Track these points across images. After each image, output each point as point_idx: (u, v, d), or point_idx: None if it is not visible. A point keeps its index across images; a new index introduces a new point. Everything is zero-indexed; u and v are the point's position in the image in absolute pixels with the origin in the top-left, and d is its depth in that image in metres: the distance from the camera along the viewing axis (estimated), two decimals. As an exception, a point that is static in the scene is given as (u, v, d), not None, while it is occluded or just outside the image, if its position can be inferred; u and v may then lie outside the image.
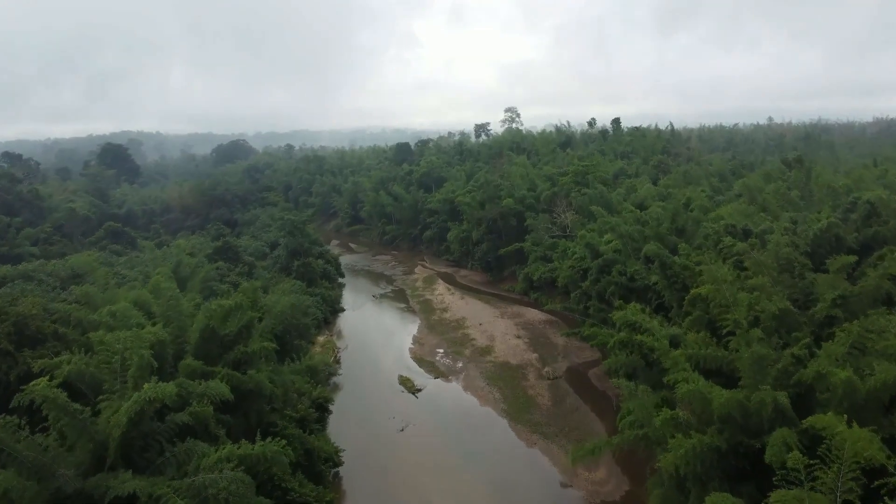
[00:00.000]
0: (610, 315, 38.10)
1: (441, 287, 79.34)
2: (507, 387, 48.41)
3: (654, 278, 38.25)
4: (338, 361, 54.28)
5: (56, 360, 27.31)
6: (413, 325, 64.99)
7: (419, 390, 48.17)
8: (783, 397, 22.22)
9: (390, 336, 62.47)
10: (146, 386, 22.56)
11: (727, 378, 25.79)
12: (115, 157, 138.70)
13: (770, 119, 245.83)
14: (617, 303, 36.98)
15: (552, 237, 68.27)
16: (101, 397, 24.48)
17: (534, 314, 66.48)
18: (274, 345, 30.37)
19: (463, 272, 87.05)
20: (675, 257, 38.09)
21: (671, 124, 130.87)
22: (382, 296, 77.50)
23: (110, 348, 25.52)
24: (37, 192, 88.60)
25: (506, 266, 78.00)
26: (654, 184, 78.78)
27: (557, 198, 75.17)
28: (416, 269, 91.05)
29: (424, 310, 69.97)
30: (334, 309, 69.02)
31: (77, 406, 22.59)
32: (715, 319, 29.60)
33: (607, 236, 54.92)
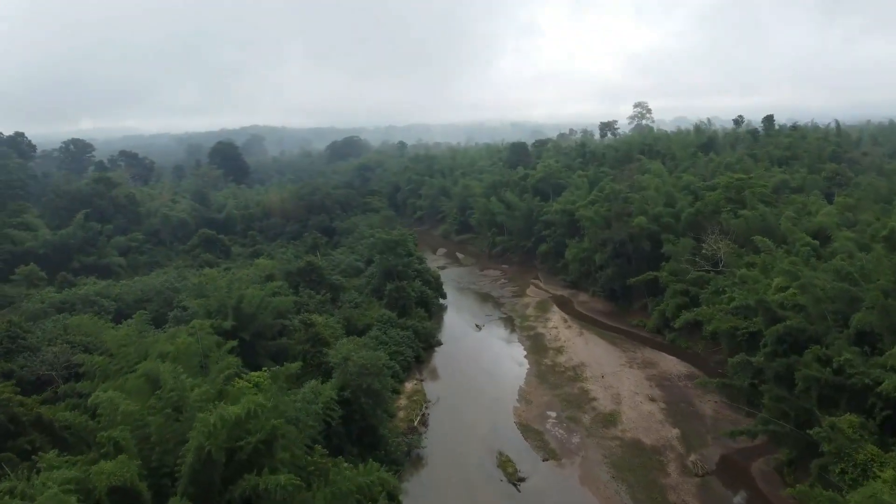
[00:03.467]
0: (806, 426, 25.21)
1: (556, 317, 67.65)
2: (640, 484, 36.41)
3: (888, 383, 24.85)
4: (424, 423, 44.39)
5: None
6: (520, 371, 54.04)
7: (522, 480, 37.19)
8: None
9: (492, 385, 51.66)
10: None
11: None
12: (224, 156, 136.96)
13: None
14: (826, 421, 24.07)
15: (698, 270, 54.79)
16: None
17: (670, 364, 53.57)
18: (298, 481, 20.57)
19: (582, 297, 74.78)
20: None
21: (836, 122, 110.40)
22: (487, 324, 66.90)
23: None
24: (133, 197, 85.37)
25: (635, 297, 65.03)
26: (829, 201, 63.05)
27: (702, 218, 61.42)
28: (528, 290, 79.74)
29: (535, 349, 58.77)
30: (429, 343, 59.32)
31: None
32: None
33: (778, 280, 41.35)
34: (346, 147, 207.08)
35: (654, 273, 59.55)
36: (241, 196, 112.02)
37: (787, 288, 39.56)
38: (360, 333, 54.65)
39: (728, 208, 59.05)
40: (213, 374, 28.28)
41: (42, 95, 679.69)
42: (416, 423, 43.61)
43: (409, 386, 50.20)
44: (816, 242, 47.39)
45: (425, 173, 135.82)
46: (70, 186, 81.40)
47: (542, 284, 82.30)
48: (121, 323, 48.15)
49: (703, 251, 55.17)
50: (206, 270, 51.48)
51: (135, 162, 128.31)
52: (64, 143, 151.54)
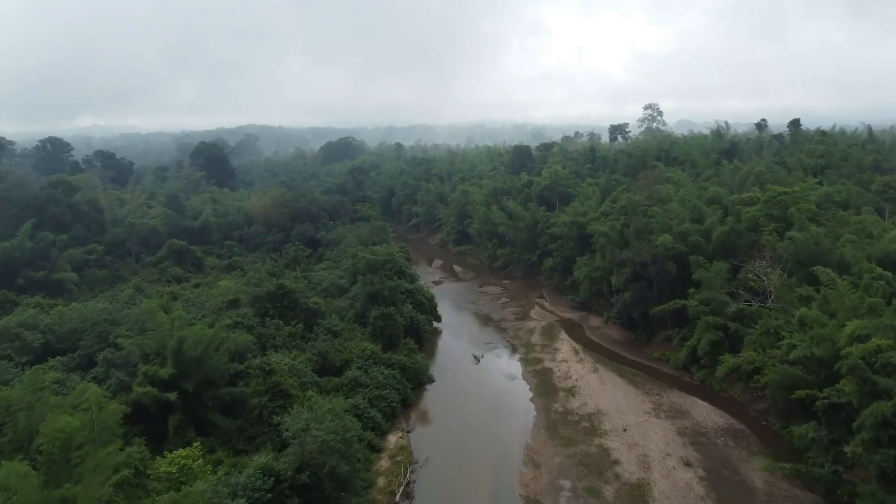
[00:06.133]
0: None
1: (565, 347, 59.24)
2: None
3: None
4: (408, 495, 35.87)
5: None
6: (526, 419, 45.63)
7: (532, 588, 28.89)
8: None
9: (492, 438, 43.03)
10: None
11: None
12: (208, 157, 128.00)
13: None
14: None
15: (739, 302, 46.30)
16: None
17: (703, 412, 45.18)
18: None
19: (593, 321, 66.38)
20: None
21: (869, 128, 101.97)
22: (487, 354, 58.41)
23: None
24: (96, 203, 76.69)
25: (657, 328, 56.58)
26: (883, 218, 54.79)
27: (737, 237, 53.10)
28: (533, 312, 71.36)
29: (542, 389, 50.42)
30: (420, 381, 50.86)
31: None
32: None
33: (853, 325, 32.97)
34: (341, 148, 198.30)
35: (682, 301, 51.14)
36: (221, 201, 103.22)
37: (868, 337, 31.20)
38: (337, 373, 46.36)
39: (770, 227, 50.60)
40: (97, 480, 19.77)
41: (43, 92, 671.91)
42: (397, 497, 35.16)
43: (392, 440, 41.79)
44: (889, 275, 38.99)
45: (422, 177, 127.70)
46: (22, 191, 72.78)
47: (547, 305, 74.00)
48: (47, 361, 39.98)
49: (750, 282, 46.39)
50: (146, 301, 42.84)
51: (111, 162, 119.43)
52: (40, 141, 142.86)
